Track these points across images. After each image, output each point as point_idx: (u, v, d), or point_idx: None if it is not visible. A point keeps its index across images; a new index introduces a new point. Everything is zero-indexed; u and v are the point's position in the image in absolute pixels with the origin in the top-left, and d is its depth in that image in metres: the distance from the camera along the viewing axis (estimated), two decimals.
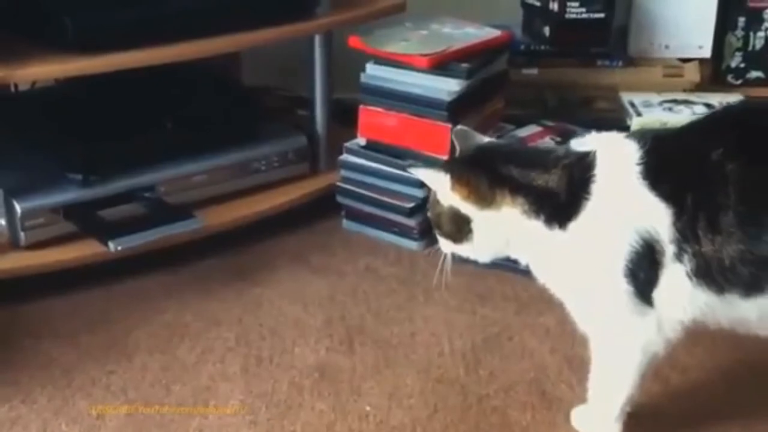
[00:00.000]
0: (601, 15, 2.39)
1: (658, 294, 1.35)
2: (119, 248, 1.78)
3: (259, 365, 1.69)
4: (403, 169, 1.94)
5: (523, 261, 1.45)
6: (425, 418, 1.56)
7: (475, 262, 1.49)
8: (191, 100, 2.10)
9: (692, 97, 2.30)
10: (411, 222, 2.03)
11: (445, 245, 1.47)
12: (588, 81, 2.43)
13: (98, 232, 1.83)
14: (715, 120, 1.43)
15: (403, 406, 1.59)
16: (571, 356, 1.67)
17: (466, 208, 1.40)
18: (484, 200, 1.39)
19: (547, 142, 2.11)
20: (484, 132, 2.03)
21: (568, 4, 2.36)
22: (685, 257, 1.31)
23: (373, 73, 2.04)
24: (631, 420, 1.48)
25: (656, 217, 1.31)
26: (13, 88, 2.11)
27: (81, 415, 1.56)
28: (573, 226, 1.35)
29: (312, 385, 1.63)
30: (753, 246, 1.28)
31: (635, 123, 2.16)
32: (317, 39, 2.10)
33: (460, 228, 1.42)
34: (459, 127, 1.54)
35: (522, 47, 2.45)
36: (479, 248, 1.44)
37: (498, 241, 1.42)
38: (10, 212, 1.82)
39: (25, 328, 1.77)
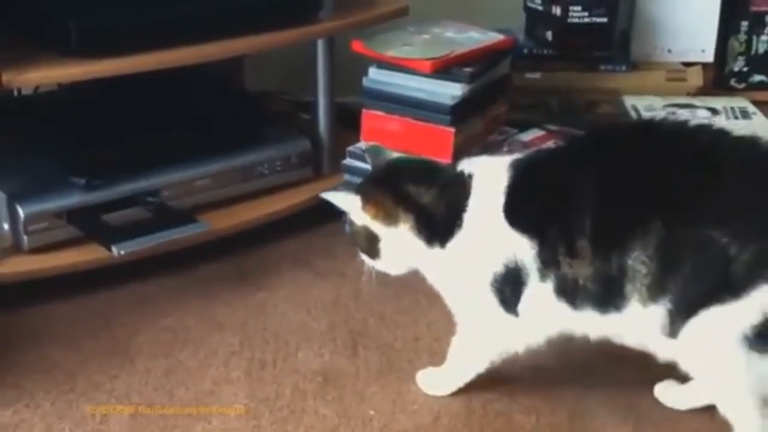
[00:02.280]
0: (604, 19, 2.39)
1: (522, 307, 1.47)
2: (122, 252, 1.78)
3: (262, 369, 1.68)
4: None
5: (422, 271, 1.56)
6: (429, 423, 1.56)
7: None
8: (194, 104, 2.10)
9: (695, 101, 2.30)
10: None
11: (366, 259, 1.57)
12: (591, 85, 2.43)
13: (101, 236, 1.83)
14: (576, 147, 1.53)
15: (407, 410, 1.59)
16: (574, 360, 1.66)
17: (376, 227, 1.51)
18: (390, 218, 1.50)
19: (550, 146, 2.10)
20: (487, 136, 2.04)
21: (571, 8, 2.37)
22: (548, 278, 1.42)
23: (375, 77, 2.04)
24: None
25: (519, 249, 1.42)
26: (16, 93, 2.11)
27: (84, 419, 1.56)
28: (450, 245, 1.48)
29: (315, 390, 1.63)
30: (601, 268, 1.37)
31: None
32: (320, 43, 2.10)
33: (372, 245, 1.53)
34: (371, 144, 1.61)
35: (525, 51, 2.45)
36: (389, 264, 1.55)
37: (402, 257, 1.54)
38: (13, 216, 1.82)
39: (28, 332, 1.77)
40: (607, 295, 1.39)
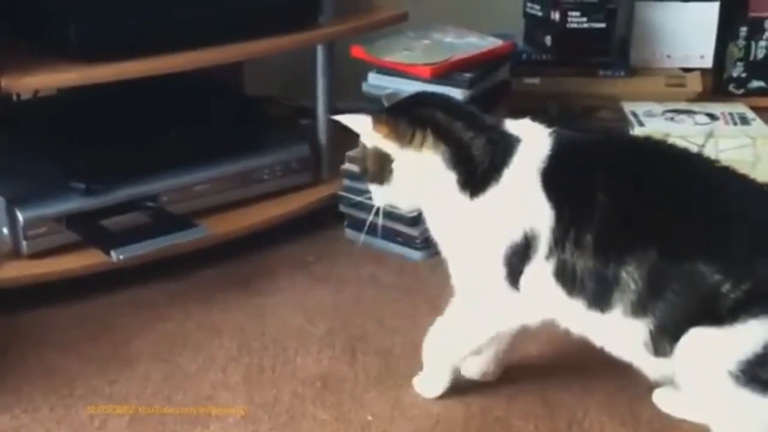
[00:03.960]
0: (603, 25, 2.40)
1: (524, 282, 1.46)
2: (121, 257, 1.78)
3: (261, 374, 1.68)
4: None
5: (425, 213, 1.53)
6: (428, 428, 1.56)
7: None
8: (194, 109, 2.10)
9: (694, 106, 2.30)
10: (414, 231, 2.03)
11: (377, 196, 1.53)
12: (590, 91, 2.44)
13: (101, 241, 1.83)
14: (613, 146, 1.52)
15: (406, 416, 1.59)
16: (575, 365, 1.66)
17: (387, 146, 1.47)
18: (404, 138, 1.46)
19: None
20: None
21: (570, 14, 2.37)
22: (552, 258, 1.42)
23: (375, 82, 2.04)
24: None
25: (541, 219, 1.41)
26: (15, 97, 2.12)
27: (83, 424, 1.56)
28: (478, 199, 1.45)
29: (314, 395, 1.63)
30: (599, 267, 1.38)
31: (637, 133, 2.16)
32: (320, 49, 2.11)
33: (383, 167, 1.48)
34: (389, 90, 1.58)
35: (524, 57, 2.45)
36: (399, 189, 1.50)
37: (415, 185, 1.49)
38: (12, 221, 1.82)
39: (28, 337, 1.77)
40: (598, 294, 1.40)
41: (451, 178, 1.45)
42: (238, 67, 2.33)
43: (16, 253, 1.84)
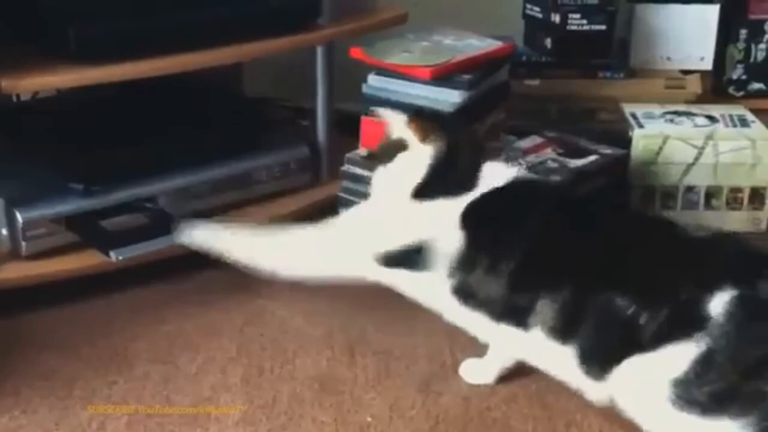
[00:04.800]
0: (603, 27, 2.40)
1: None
2: (120, 258, 1.78)
3: (260, 376, 1.68)
4: None
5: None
6: (427, 429, 1.56)
7: None
8: (193, 110, 2.10)
9: (694, 108, 2.30)
10: None
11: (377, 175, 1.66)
12: (590, 92, 2.44)
13: (100, 242, 1.83)
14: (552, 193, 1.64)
15: (405, 417, 1.59)
16: None
17: (411, 139, 1.61)
18: (425, 136, 1.60)
19: (549, 154, 2.11)
20: (486, 143, 2.04)
21: (570, 15, 2.37)
22: (453, 277, 1.50)
23: (374, 84, 2.04)
24: None
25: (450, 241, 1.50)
26: (14, 98, 2.12)
27: (82, 425, 1.56)
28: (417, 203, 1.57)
29: (313, 396, 1.63)
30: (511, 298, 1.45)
31: (636, 134, 2.16)
32: (319, 50, 2.10)
33: (397, 151, 1.61)
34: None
35: (524, 58, 2.45)
36: (399, 169, 1.61)
37: (405, 174, 1.59)
38: (11, 222, 1.82)
39: (26, 338, 1.77)
40: (509, 314, 1.46)
41: (419, 175, 1.57)
42: (238, 68, 2.33)
43: (15, 254, 1.84)
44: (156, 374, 1.68)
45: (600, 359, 1.39)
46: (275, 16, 1.98)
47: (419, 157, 1.59)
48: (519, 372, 1.68)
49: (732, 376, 1.29)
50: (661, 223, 1.51)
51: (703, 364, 1.30)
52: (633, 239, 1.45)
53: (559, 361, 1.44)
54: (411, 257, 1.53)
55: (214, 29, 1.90)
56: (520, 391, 1.64)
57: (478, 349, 1.71)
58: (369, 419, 1.58)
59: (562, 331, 1.41)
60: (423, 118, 1.66)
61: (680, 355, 1.31)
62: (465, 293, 1.50)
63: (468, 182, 1.55)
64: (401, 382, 1.67)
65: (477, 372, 1.68)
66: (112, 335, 1.78)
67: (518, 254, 1.45)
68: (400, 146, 1.62)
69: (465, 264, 1.49)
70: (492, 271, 1.46)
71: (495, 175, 1.57)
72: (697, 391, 1.30)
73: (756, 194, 2.16)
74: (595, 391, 1.43)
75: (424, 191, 1.57)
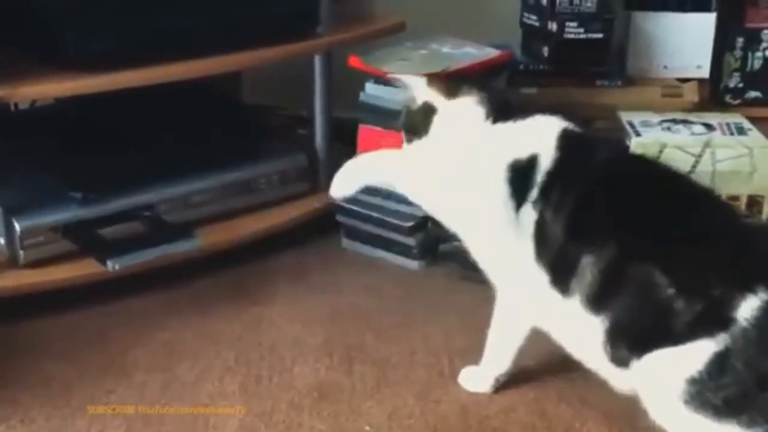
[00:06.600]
0: (600, 35, 2.40)
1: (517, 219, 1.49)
2: (117, 267, 1.78)
3: (258, 384, 1.68)
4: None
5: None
6: None
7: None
8: (192, 118, 2.11)
9: (691, 116, 2.30)
10: (410, 241, 2.03)
11: (408, 151, 1.64)
12: (587, 101, 2.43)
13: (97, 250, 1.83)
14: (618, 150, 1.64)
15: (403, 426, 1.58)
16: (572, 377, 1.66)
17: (436, 99, 1.60)
18: (451, 92, 1.59)
19: None
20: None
21: (567, 24, 2.37)
22: (536, 209, 1.45)
23: (372, 92, 2.05)
24: None
25: (544, 157, 1.47)
26: (12, 107, 2.12)
27: None
28: (500, 124, 1.55)
29: (311, 405, 1.63)
30: (564, 243, 1.42)
31: (634, 143, 2.16)
32: (317, 58, 2.11)
33: (427, 118, 1.60)
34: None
35: (521, 67, 2.45)
36: (431, 140, 1.60)
37: (447, 132, 1.58)
38: (9, 231, 1.82)
39: (24, 347, 1.76)
40: (558, 270, 1.43)
41: (479, 112, 1.55)
42: (236, 76, 2.33)
43: (12, 263, 1.84)
44: (154, 382, 1.68)
45: (629, 340, 1.37)
46: (274, 24, 1.98)
47: (457, 111, 1.57)
48: (517, 380, 1.68)
49: (747, 383, 1.28)
50: (717, 201, 1.47)
51: (720, 366, 1.29)
52: (687, 211, 1.40)
53: (586, 336, 1.42)
54: (523, 174, 1.48)
55: (213, 38, 1.90)
56: (518, 400, 1.64)
57: (476, 357, 1.71)
58: (367, 428, 1.58)
59: (598, 298, 1.38)
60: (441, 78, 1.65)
61: (700, 354, 1.30)
62: (539, 232, 1.45)
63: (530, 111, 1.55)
64: (399, 390, 1.66)
65: (476, 380, 1.67)
66: (110, 343, 1.78)
67: (576, 199, 1.42)
68: (429, 111, 1.60)
69: (545, 191, 1.45)
70: (559, 208, 1.43)
71: (547, 121, 1.54)
72: (711, 394, 1.30)
73: (754, 202, 2.16)
74: (615, 377, 1.42)
75: (496, 115, 1.55)
